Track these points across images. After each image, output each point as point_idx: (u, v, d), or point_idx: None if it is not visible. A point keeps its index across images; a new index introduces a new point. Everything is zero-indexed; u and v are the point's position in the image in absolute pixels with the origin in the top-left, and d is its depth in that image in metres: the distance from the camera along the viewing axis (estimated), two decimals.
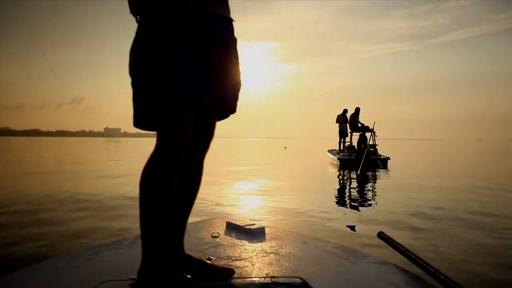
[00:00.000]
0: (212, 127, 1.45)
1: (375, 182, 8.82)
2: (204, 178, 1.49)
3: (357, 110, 14.71)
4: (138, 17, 1.32)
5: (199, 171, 1.48)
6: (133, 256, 1.52)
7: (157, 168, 1.29)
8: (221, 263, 1.56)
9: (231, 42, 1.41)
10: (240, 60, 1.45)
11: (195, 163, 1.46)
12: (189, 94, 1.24)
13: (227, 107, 1.41)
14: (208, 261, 1.49)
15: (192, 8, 1.28)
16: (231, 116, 1.50)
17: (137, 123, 1.32)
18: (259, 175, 10.29)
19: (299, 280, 1.40)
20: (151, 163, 1.30)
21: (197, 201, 1.50)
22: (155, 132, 1.31)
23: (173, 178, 1.30)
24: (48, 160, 16.11)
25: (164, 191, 1.29)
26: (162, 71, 1.24)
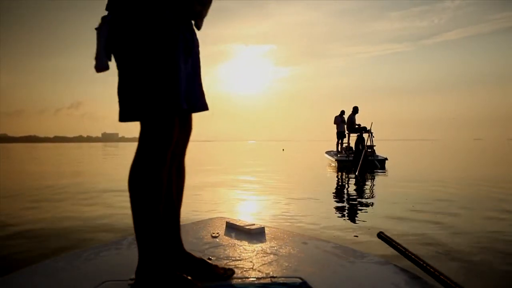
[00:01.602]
0: (191, 124, 1.51)
1: (373, 184, 8.82)
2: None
3: (355, 109, 14.71)
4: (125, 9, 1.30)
5: (183, 165, 1.52)
6: (133, 256, 1.52)
7: (148, 165, 1.29)
8: (221, 263, 1.56)
9: (198, 45, 1.51)
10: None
11: (180, 159, 1.49)
12: (184, 96, 1.31)
13: (203, 107, 1.50)
14: (208, 261, 1.49)
15: (186, 18, 1.38)
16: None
17: (125, 116, 1.31)
18: (260, 178, 10.29)
19: (299, 280, 1.40)
20: (140, 160, 1.30)
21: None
22: None
23: (163, 174, 1.31)
24: (46, 169, 15.69)
25: (156, 188, 1.30)
26: (165, 72, 1.27)
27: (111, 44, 1.30)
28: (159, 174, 1.29)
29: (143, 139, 1.30)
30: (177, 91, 1.29)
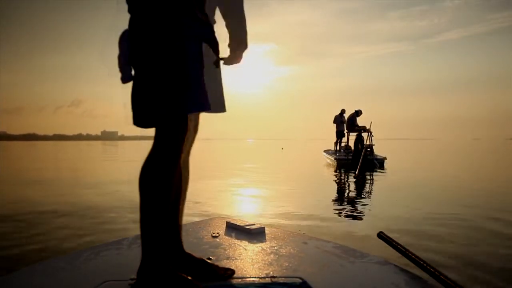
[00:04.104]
0: (197, 125, 1.53)
1: (373, 183, 8.83)
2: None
3: (359, 112, 14.54)
4: (139, 15, 1.32)
5: (187, 167, 1.52)
6: (133, 256, 1.52)
7: (161, 167, 1.29)
8: (221, 263, 1.56)
9: (218, 47, 1.49)
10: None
11: (184, 160, 1.50)
12: (198, 98, 1.31)
13: (218, 109, 1.50)
14: (208, 261, 1.49)
15: (201, 19, 1.36)
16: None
17: (139, 121, 1.32)
18: (262, 178, 10.30)
19: (299, 280, 1.40)
20: (153, 162, 1.30)
21: None
22: (152, 134, 1.32)
23: (173, 177, 1.32)
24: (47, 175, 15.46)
25: (167, 190, 1.30)
26: (178, 74, 1.26)
27: (131, 54, 1.32)
28: (170, 176, 1.30)
29: (158, 141, 1.30)
30: (192, 94, 1.28)
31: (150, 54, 1.27)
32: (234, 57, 1.53)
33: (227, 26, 1.55)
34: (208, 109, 1.36)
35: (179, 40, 1.28)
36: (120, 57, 1.34)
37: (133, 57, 1.31)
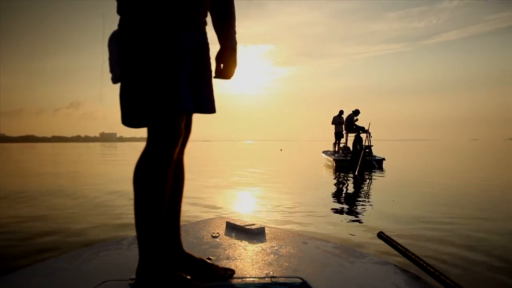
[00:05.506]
0: (190, 125, 1.51)
1: (372, 183, 8.84)
2: None
3: (357, 112, 14.54)
4: (128, 16, 1.32)
5: (182, 166, 1.52)
6: (133, 256, 1.52)
7: (153, 166, 1.29)
8: (221, 263, 1.56)
9: (208, 48, 1.50)
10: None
11: (179, 160, 1.49)
12: (186, 99, 1.31)
13: (208, 110, 1.49)
14: (208, 261, 1.49)
15: (194, 18, 1.37)
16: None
17: (127, 121, 1.33)
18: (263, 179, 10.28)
19: (299, 280, 1.40)
20: (146, 161, 1.30)
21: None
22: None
23: (167, 176, 1.32)
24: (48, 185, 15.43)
25: (160, 189, 1.30)
26: (166, 75, 1.27)
27: (119, 54, 1.33)
28: (164, 174, 1.30)
29: (149, 141, 1.30)
30: (180, 95, 1.29)
31: (138, 55, 1.28)
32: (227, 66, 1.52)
33: (219, 25, 1.54)
34: (194, 110, 1.38)
35: (167, 41, 1.28)
36: (110, 58, 1.36)
37: (122, 57, 1.32)
